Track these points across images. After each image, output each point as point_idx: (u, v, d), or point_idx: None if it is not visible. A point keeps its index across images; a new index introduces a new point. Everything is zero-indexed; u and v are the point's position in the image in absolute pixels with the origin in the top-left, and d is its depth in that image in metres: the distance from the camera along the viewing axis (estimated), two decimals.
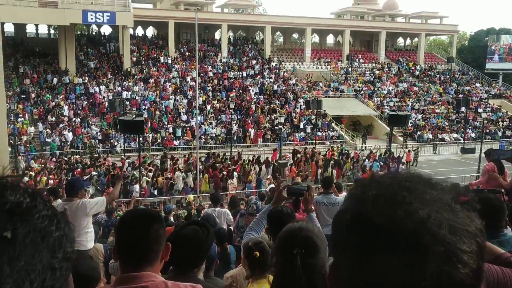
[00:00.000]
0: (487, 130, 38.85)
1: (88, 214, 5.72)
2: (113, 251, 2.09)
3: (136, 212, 2.12)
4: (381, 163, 25.97)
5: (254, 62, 45.14)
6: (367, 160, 25.89)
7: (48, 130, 30.00)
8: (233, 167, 23.50)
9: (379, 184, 0.81)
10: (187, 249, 2.48)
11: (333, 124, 37.25)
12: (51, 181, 20.56)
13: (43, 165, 24.54)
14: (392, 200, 0.76)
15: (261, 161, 25.33)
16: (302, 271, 1.84)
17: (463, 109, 39.44)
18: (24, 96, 33.54)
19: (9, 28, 41.15)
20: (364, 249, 0.74)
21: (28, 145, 28.54)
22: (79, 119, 32.06)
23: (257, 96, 39.55)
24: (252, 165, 24.64)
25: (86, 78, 36.88)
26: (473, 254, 0.72)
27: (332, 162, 25.53)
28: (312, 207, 3.56)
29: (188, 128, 32.88)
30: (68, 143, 29.62)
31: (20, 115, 31.32)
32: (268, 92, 40.36)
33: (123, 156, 25.74)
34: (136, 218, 2.03)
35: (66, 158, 26.30)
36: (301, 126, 36.04)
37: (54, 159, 26.13)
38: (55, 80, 35.91)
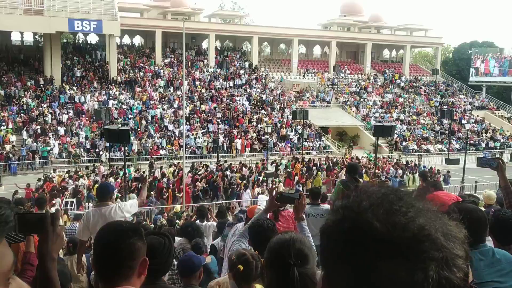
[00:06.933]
0: (471, 141, 39.37)
1: (125, 217, 5.74)
2: (92, 264, 2.06)
3: (112, 226, 2.04)
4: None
5: (242, 72, 45.26)
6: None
7: (32, 138, 29.59)
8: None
9: (371, 194, 0.84)
10: (149, 259, 2.52)
11: (319, 134, 37.44)
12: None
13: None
14: (390, 209, 0.79)
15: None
16: (299, 282, 1.82)
17: (447, 120, 39.94)
18: (8, 103, 33.08)
19: None
20: (367, 257, 0.75)
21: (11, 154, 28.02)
22: (64, 127, 31.69)
23: (243, 106, 39.59)
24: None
25: (72, 86, 36.58)
26: (464, 259, 0.77)
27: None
28: (303, 216, 3.53)
29: (174, 137, 32.75)
30: (55, 153, 29.24)
31: (4, 124, 30.83)
32: (255, 102, 40.47)
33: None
34: (110, 233, 1.97)
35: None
36: (289, 136, 36.09)
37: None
38: (40, 88, 35.50)
